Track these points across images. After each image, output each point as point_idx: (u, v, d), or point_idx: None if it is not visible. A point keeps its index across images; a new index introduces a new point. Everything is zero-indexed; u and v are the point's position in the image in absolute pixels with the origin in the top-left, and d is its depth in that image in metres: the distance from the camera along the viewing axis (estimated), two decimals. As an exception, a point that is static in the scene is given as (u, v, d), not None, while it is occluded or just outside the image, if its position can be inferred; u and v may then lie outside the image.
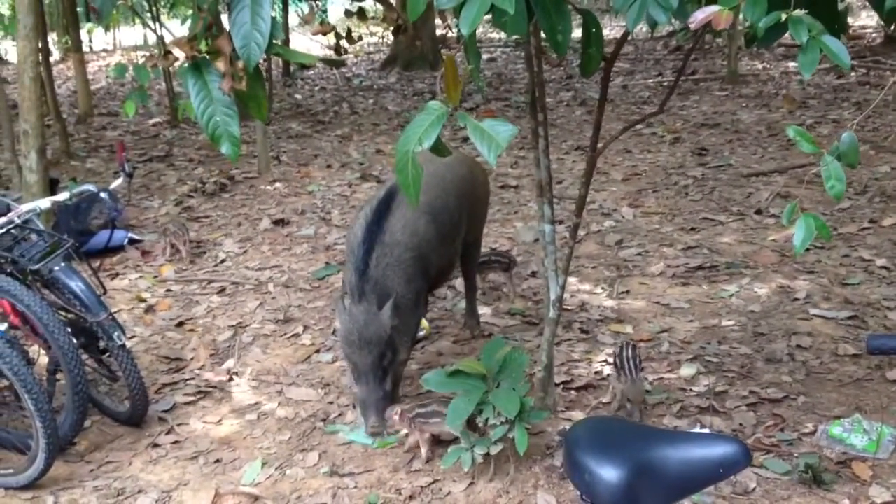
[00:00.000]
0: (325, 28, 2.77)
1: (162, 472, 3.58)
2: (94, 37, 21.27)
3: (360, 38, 3.25)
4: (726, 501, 3.08)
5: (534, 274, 5.44)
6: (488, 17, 2.27)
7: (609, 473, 1.66)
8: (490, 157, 2.12)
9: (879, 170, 7.08)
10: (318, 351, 4.61)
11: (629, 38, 3.42)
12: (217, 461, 3.65)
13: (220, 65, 2.43)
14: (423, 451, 3.51)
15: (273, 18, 2.42)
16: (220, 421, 3.99)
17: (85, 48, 13.40)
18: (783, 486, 3.17)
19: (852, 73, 11.51)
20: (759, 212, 6.39)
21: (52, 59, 11.89)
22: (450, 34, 15.38)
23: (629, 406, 3.59)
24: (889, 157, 7.41)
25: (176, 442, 3.80)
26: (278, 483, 3.46)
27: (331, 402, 4.07)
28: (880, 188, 6.61)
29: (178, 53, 2.52)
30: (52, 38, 15.82)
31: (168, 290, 5.57)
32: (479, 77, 2.72)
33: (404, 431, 3.57)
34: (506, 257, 5.21)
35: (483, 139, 2.17)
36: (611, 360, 3.86)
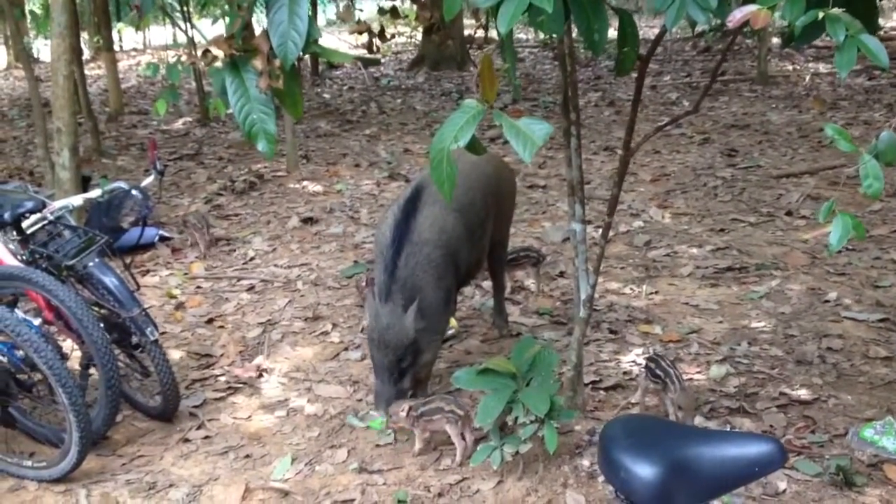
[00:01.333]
0: (362, 27, 2.79)
1: (192, 466, 3.62)
2: (125, 36, 21.47)
3: (393, 37, 3.26)
4: (757, 502, 3.07)
5: (562, 274, 5.44)
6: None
7: (645, 471, 1.66)
8: (526, 156, 2.12)
9: (912, 172, 7.01)
10: (346, 349, 4.63)
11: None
12: (247, 456, 3.68)
13: (258, 63, 2.45)
14: (417, 446, 3.54)
15: (310, 17, 2.44)
16: (249, 417, 4.02)
17: (115, 47, 13.54)
18: (814, 487, 3.15)
19: (884, 75, 11.39)
20: (789, 213, 6.35)
21: (83, 58, 12.01)
22: (478, 34, 15.38)
23: (681, 415, 3.54)
24: (922, 159, 7.32)
25: (206, 437, 3.83)
26: (307, 479, 3.48)
27: (359, 400, 4.09)
28: (913, 190, 6.55)
29: (216, 52, 2.55)
30: (84, 37, 15.98)
31: (198, 287, 5.62)
32: (515, 76, 2.73)
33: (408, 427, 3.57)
34: (535, 252, 5.21)
35: (519, 138, 2.17)
36: (642, 365, 3.83)
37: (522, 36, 18.56)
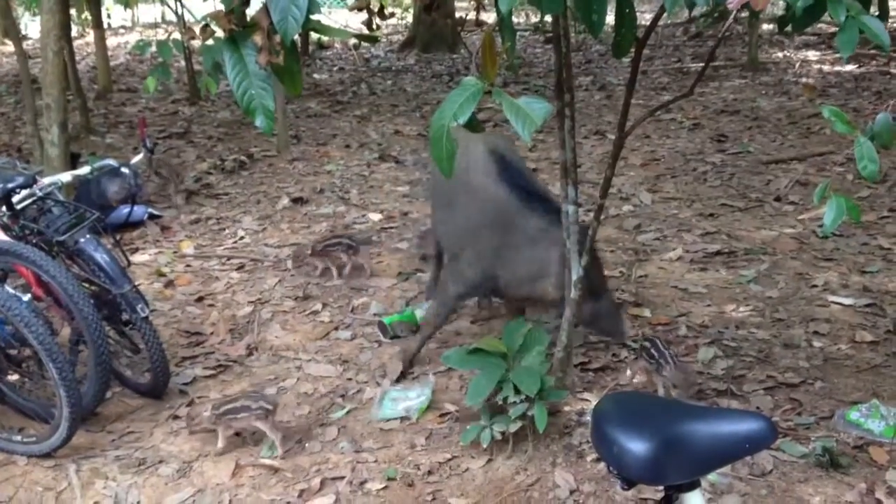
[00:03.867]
0: (362, 3, 2.78)
1: (182, 443, 3.63)
2: (113, 13, 21.29)
3: (391, 15, 3.25)
4: (744, 483, 3.10)
5: (552, 256, 5.45)
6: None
7: (638, 446, 1.68)
8: (524, 134, 2.13)
9: (900, 159, 7.05)
10: (336, 328, 4.64)
11: (647, 23, 3.42)
12: (237, 434, 3.69)
13: (258, 38, 2.44)
14: (220, 444, 3.53)
15: (311, -7, 2.42)
16: (239, 395, 4.02)
17: (104, 24, 13.42)
18: (800, 468, 3.18)
19: (873, 62, 11.43)
20: (778, 199, 6.38)
21: (72, 35, 11.90)
22: (469, 15, 15.33)
23: (676, 393, 3.57)
24: (910, 147, 7.36)
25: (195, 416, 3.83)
26: (298, 457, 3.49)
27: (349, 379, 4.10)
28: (901, 177, 6.59)
29: (216, 27, 2.53)
30: (72, 13, 15.83)
31: (188, 266, 5.61)
32: (515, 55, 2.73)
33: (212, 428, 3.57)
34: (349, 238, 5.34)
35: (518, 116, 2.17)
36: (636, 346, 3.86)
37: (514, 19, 18.48)
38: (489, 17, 9.66)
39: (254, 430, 3.56)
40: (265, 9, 2.46)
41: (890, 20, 14.48)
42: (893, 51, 11.67)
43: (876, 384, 3.76)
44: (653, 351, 3.67)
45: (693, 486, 1.77)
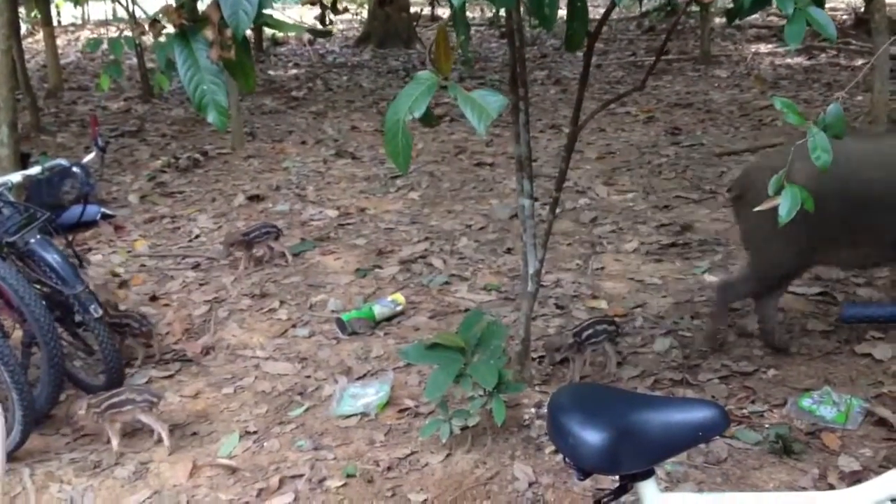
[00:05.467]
0: (314, -3, 2.77)
1: (138, 444, 3.58)
2: (63, 10, 20.93)
3: (345, 10, 3.23)
4: (699, 470, 3.14)
5: (510, 250, 5.47)
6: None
7: (592, 436, 1.69)
8: (480, 128, 2.13)
9: (849, 150, 7.16)
10: (294, 325, 4.62)
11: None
12: (194, 434, 3.66)
13: (209, 33, 2.41)
14: (114, 442, 3.50)
15: (264, -13, 2.40)
16: (196, 395, 3.99)
17: (53, 22, 13.18)
18: (754, 455, 3.23)
19: (822, 54, 11.62)
20: (730, 190, 6.45)
21: (21, 33, 11.67)
22: (425, 11, 15.31)
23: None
24: (858, 138, 7.51)
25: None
26: (256, 455, 3.47)
27: (308, 377, 4.08)
28: (850, 168, 6.69)
29: (166, 22, 2.50)
30: (21, 11, 15.54)
31: (142, 265, 5.55)
32: (468, 49, 2.73)
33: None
34: (273, 226, 5.47)
35: (473, 110, 2.18)
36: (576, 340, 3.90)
37: (469, 14, 18.49)
38: (444, 12, 9.66)
39: (140, 424, 3.54)
40: (216, 3, 2.43)
41: (839, 11, 14.74)
42: (842, 42, 11.90)
43: (828, 371, 3.82)
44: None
45: (647, 474, 1.78)
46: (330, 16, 2.89)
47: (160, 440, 3.54)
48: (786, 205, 2.15)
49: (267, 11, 2.49)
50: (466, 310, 4.61)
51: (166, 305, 4.93)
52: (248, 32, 2.42)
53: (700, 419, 1.74)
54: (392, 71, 12.89)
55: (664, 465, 3.13)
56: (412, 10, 15.72)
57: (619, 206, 6.30)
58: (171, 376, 4.16)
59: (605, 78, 11.37)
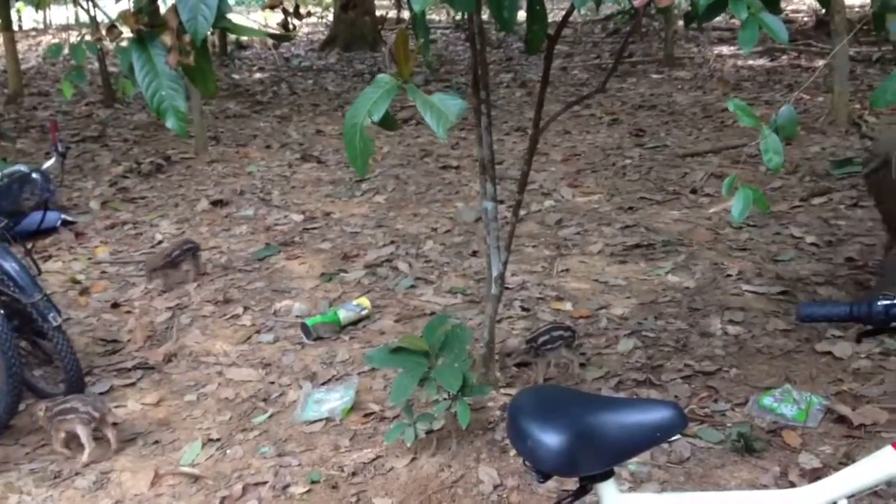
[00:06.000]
0: (274, 2, 2.74)
1: (99, 453, 3.53)
2: (24, 15, 20.66)
3: (308, 14, 3.22)
4: (662, 470, 3.16)
5: (475, 253, 5.48)
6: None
7: (551, 439, 1.69)
8: (440, 132, 2.13)
9: (810, 150, 7.27)
10: (258, 332, 4.58)
11: (568, 21, 3.46)
12: (156, 442, 3.62)
13: (167, 38, 2.38)
14: (56, 445, 3.48)
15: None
16: (158, 402, 3.94)
17: (14, 27, 13.00)
18: (716, 454, 3.25)
19: (784, 56, 11.76)
20: (694, 191, 6.52)
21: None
22: (390, 14, 15.30)
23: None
24: (819, 138, 7.61)
25: (113, 424, 3.73)
26: (219, 463, 3.44)
27: (272, 383, 4.05)
28: (811, 168, 6.79)
29: (123, 27, 2.47)
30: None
31: (103, 272, 5.48)
32: (429, 53, 2.73)
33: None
34: (192, 244, 5.30)
35: (433, 114, 2.17)
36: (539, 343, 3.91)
37: (435, 17, 18.53)
38: (409, 14, 9.68)
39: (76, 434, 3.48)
40: (174, 8, 2.40)
41: (800, 13, 14.93)
42: (803, 44, 12.06)
43: (788, 370, 3.86)
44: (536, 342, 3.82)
45: (607, 475, 1.79)
46: (293, 21, 2.87)
47: (119, 450, 3.50)
48: (738, 205, 2.17)
49: (227, 16, 2.48)
50: (432, 313, 4.61)
51: (128, 313, 4.87)
52: (211, 36, 2.40)
53: (658, 420, 1.74)
54: (358, 74, 12.86)
55: (627, 465, 3.15)
56: (378, 13, 15.70)
57: (584, 207, 6.33)
58: (132, 384, 4.11)
59: (569, 80, 11.42)
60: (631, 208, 6.25)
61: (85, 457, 3.43)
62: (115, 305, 4.96)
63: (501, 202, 5.27)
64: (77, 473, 3.40)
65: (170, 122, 2.43)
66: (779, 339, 4.14)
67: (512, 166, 7.37)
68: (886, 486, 1.86)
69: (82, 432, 3.43)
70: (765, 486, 3.05)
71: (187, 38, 2.34)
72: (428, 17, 16.77)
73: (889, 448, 1.80)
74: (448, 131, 2.19)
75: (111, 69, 11.03)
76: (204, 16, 2.28)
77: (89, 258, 5.69)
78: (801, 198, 6.15)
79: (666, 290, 4.79)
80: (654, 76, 11.41)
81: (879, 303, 1.84)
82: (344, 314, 4.55)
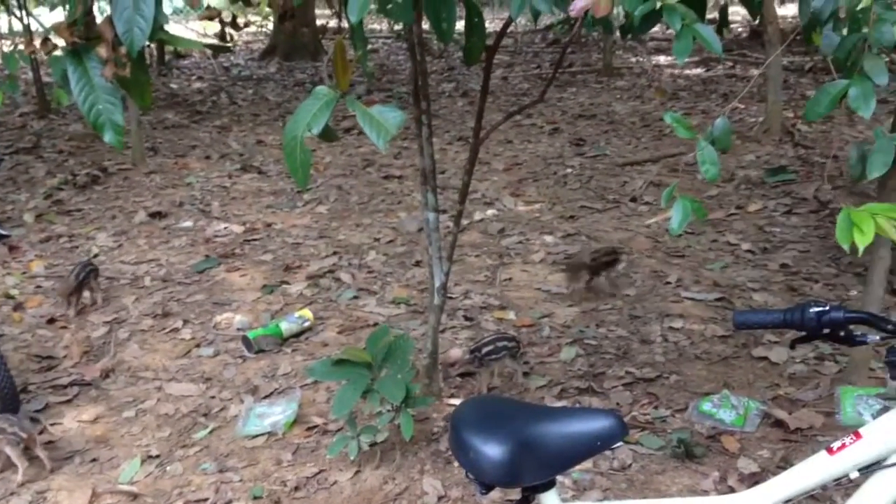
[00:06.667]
0: (211, 13, 2.71)
1: (34, 472, 3.44)
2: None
3: (246, 25, 3.19)
4: (605, 478, 3.19)
5: (418, 263, 5.47)
6: (372, 6, 2.28)
7: (492, 450, 1.69)
8: (380, 144, 2.13)
9: (745, 158, 7.41)
10: (198, 345, 4.51)
11: (509, 31, 3.48)
12: (93, 460, 3.54)
13: (102, 51, 2.34)
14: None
15: (157, 2, 2.35)
16: (95, 419, 3.86)
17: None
18: (657, 460, 3.29)
19: (720, 66, 12.00)
20: (633, 199, 6.61)
21: None
22: (331, 23, 15.24)
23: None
24: (754, 147, 7.77)
25: (49, 442, 3.65)
26: (158, 480, 3.38)
27: (213, 397, 3.99)
28: (746, 176, 6.92)
29: (58, 40, 2.42)
30: None
31: (38, 287, 5.35)
32: (367, 64, 2.72)
33: None
34: (91, 265, 5.10)
35: (372, 125, 2.17)
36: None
37: (377, 27, 18.52)
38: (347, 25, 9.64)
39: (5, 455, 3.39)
40: (109, 20, 2.37)
41: (736, 24, 15.25)
42: (739, 54, 12.32)
43: (727, 375, 3.93)
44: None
45: (549, 485, 1.80)
46: (230, 31, 2.84)
47: (56, 469, 3.42)
48: (677, 216, 2.20)
49: (170, 26, 2.44)
50: (375, 324, 4.59)
51: (63, 328, 4.76)
52: (149, 47, 2.37)
53: (598, 429, 1.76)
54: (299, 84, 12.78)
55: (570, 473, 3.17)
56: (318, 22, 15.63)
57: (526, 216, 6.37)
58: (69, 401, 4.02)
59: (510, 90, 11.49)
60: (572, 217, 6.31)
61: (19, 477, 3.34)
62: (51, 321, 4.84)
63: (444, 212, 5.28)
64: (12, 493, 3.30)
65: (107, 136, 2.39)
66: (717, 346, 4.21)
67: (454, 176, 7.39)
68: (822, 490, 1.90)
69: (11, 453, 3.34)
70: (705, 492, 3.09)
71: (123, 50, 2.31)
72: (369, 26, 16.70)
73: (824, 453, 1.84)
74: (388, 143, 2.19)
75: (46, 79, 10.80)
76: (140, 28, 2.24)
77: (23, 272, 5.56)
78: (738, 205, 6.27)
79: (607, 297, 4.84)
80: (594, 86, 11.55)
81: (811, 310, 1.88)
82: (286, 326, 4.51)
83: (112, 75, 2.40)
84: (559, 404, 3.73)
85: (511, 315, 4.68)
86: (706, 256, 5.36)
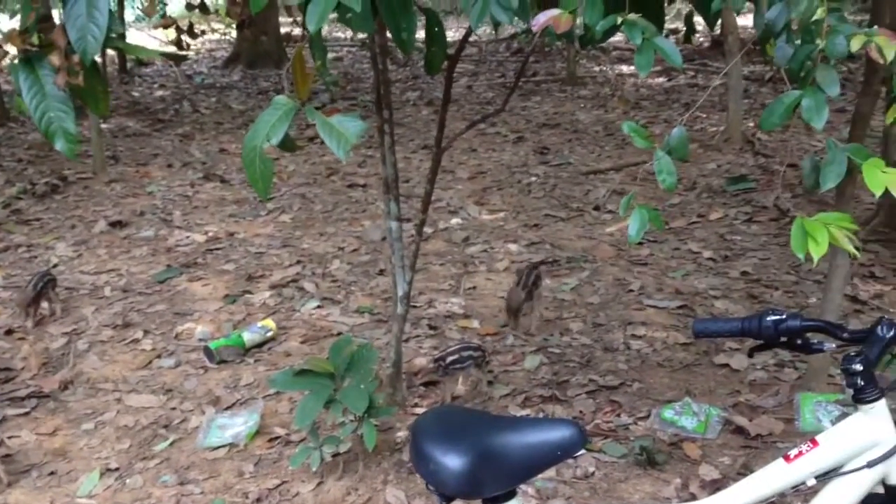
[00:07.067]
0: (167, 21, 2.69)
1: (-10, 488, 3.39)
2: None
3: (202, 33, 3.16)
4: (568, 486, 3.20)
5: (382, 272, 5.46)
6: (336, 14, 2.27)
7: (452, 461, 1.69)
8: (340, 153, 2.12)
9: (707, 167, 7.49)
10: (159, 356, 4.47)
11: (474, 40, 3.49)
12: (52, 473, 3.48)
13: (55, 59, 2.32)
14: None
15: (110, 11, 2.33)
16: (54, 432, 3.80)
17: None
18: (620, 468, 3.31)
19: (682, 76, 12.12)
20: (597, 208, 6.65)
21: None
22: (295, 31, 15.19)
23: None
24: (715, 155, 7.85)
25: (7, 455, 3.58)
26: (118, 493, 3.33)
27: (173, 409, 3.95)
28: (707, 184, 6.99)
29: (10, 47, 2.39)
30: None
31: (-5, 297, 5.27)
32: (328, 73, 2.72)
33: None
34: (50, 273, 5.02)
35: (332, 135, 2.17)
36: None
37: (341, 34, 18.48)
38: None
39: None
40: (62, 28, 2.35)
41: (697, 34, 15.42)
42: (700, 64, 12.46)
43: (688, 382, 3.96)
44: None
45: (510, 495, 1.80)
46: (187, 39, 2.82)
47: (13, 482, 3.36)
48: (634, 225, 2.22)
49: (133, 34, 2.42)
50: (339, 333, 4.58)
51: (21, 339, 4.68)
52: (111, 53, 2.35)
53: (558, 438, 1.77)
54: (262, 92, 12.71)
55: (534, 481, 3.17)
56: (283, 30, 15.55)
57: (491, 225, 6.38)
58: (26, 413, 3.95)
59: (475, 99, 11.52)
60: (536, 225, 6.33)
61: None
62: (9, 332, 4.76)
63: (408, 220, 5.27)
64: (-35, 510, 3.25)
65: (59, 145, 2.37)
66: (679, 353, 4.25)
67: (419, 184, 7.38)
68: (779, 498, 1.92)
69: None
70: (667, 499, 3.11)
71: (76, 58, 2.28)
72: (334, 34, 16.61)
73: (781, 460, 1.86)
74: (348, 152, 2.18)
75: (5, 87, 10.64)
76: (93, 36, 2.22)
77: (-21, 283, 5.47)
78: (699, 213, 6.33)
79: (571, 305, 4.86)
80: (558, 95, 11.61)
81: (769, 318, 1.90)
82: (248, 336, 4.48)
83: (64, 84, 2.37)
84: (523, 413, 3.73)
85: (475, 323, 4.68)
86: (669, 264, 5.40)
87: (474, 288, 5.21)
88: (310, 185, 7.59)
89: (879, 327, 1.84)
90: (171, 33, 3.10)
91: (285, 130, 2.24)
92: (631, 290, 5.01)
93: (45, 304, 4.93)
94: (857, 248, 2.15)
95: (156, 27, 2.72)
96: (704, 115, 9.36)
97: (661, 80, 12.00)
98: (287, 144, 2.34)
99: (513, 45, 15.87)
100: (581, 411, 3.72)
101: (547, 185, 7.35)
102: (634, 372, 4.07)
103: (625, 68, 13.14)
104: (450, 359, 3.80)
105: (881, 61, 2.04)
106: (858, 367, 1.81)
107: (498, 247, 5.90)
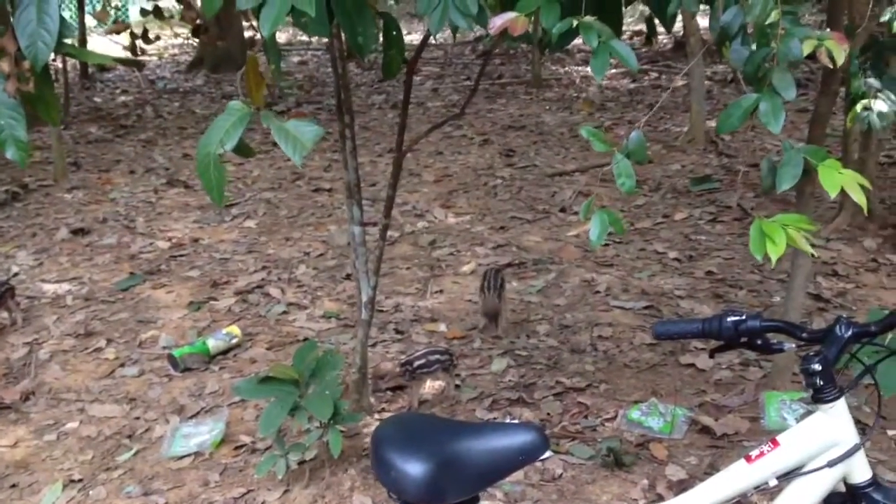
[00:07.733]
0: (120, 27, 2.66)
1: (-51, 503, 3.33)
2: None
3: (157, 38, 3.13)
4: (535, 489, 3.20)
5: (348, 277, 5.43)
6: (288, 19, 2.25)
7: (414, 468, 1.68)
8: (296, 158, 2.10)
9: (671, 168, 7.54)
10: (122, 365, 4.41)
11: (439, 43, 3.48)
12: (13, 486, 3.43)
13: (4, 65, 2.28)
14: None
15: (62, 17, 2.30)
16: (15, 443, 3.74)
17: None
18: (587, 470, 3.31)
19: (645, 77, 12.20)
20: (562, 210, 6.66)
21: None
22: (258, 35, 15.07)
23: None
24: (680, 156, 7.91)
25: (-35, 469, 3.53)
26: (81, 506, 3.29)
27: (137, 418, 3.91)
28: (672, 185, 7.04)
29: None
30: None
31: (-47, 308, 5.17)
32: (281, 77, 2.69)
33: None
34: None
35: (288, 140, 2.15)
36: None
37: (306, 38, 18.39)
38: (279, 36, 9.55)
39: None
40: (12, 33, 2.31)
41: (660, 36, 15.54)
42: (664, 65, 12.56)
43: (654, 383, 3.98)
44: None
45: (473, 501, 1.79)
46: (141, 44, 2.79)
47: (-28, 497, 3.30)
48: (595, 229, 2.22)
49: (93, 39, 2.39)
50: (305, 339, 4.54)
51: (-19, 350, 4.61)
52: (72, 61, 2.32)
53: (520, 443, 1.76)
54: (226, 96, 12.61)
55: (501, 485, 3.17)
56: (247, 34, 15.45)
57: (457, 228, 6.38)
58: (-15, 426, 3.89)
59: (440, 101, 11.51)
60: (502, 228, 6.34)
61: None
62: (-33, 343, 4.69)
63: (374, 224, 5.24)
64: (-78, 526, 3.18)
65: (9, 153, 2.33)
66: (645, 353, 4.27)
67: (385, 188, 7.34)
68: (743, 498, 1.93)
69: None
70: (634, 500, 3.12)
71: (26, 64, 2.25)
72: (299, 37, 16.46)
73: (742, 461, 1.87)
74: (304, 158, 2.17)
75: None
76: (44, 42, 2.19)
77: (-63, 293, 5.36)
78: (664, 214, 6.37)
79: (537, 307, 4.87)
80: (524, 97, 11.63)
81: (729, 319, 1.91)
82: (213, 343, 4.44)
83: (15, 91, 2.33)
84: (490, 416, 3.73)
85: (442, 327, 4.68)
86: (634, 265, 5.43)
87: (441, 291, 5.21)
88: (275, 190, 7.54)
89: (837, 327, 1.86)
90: (127, 38, 3.08)
91: (240, 136, 2.22)
92: (597, 292, 5.03)
93: (4, 314, 4.86)
94: (813, 246, 2.17)
95: (108, 33, 2.69)
96: (668, 116, 9.43)
97: (625, 81, 12.07)
98: (242, 150, 2.32)
99: (478, 48, 15.89)
100: (548, 413, 3.73)
101: (513, 187, 7.36)
102: (601, 373, 4.09)
103: (589, 70, 13.19)
104: (417, 363, 3.79)
105: (830, 66, 2.06)
106: (817, 367, 1.82)
107: (464, 250, 5.89)
